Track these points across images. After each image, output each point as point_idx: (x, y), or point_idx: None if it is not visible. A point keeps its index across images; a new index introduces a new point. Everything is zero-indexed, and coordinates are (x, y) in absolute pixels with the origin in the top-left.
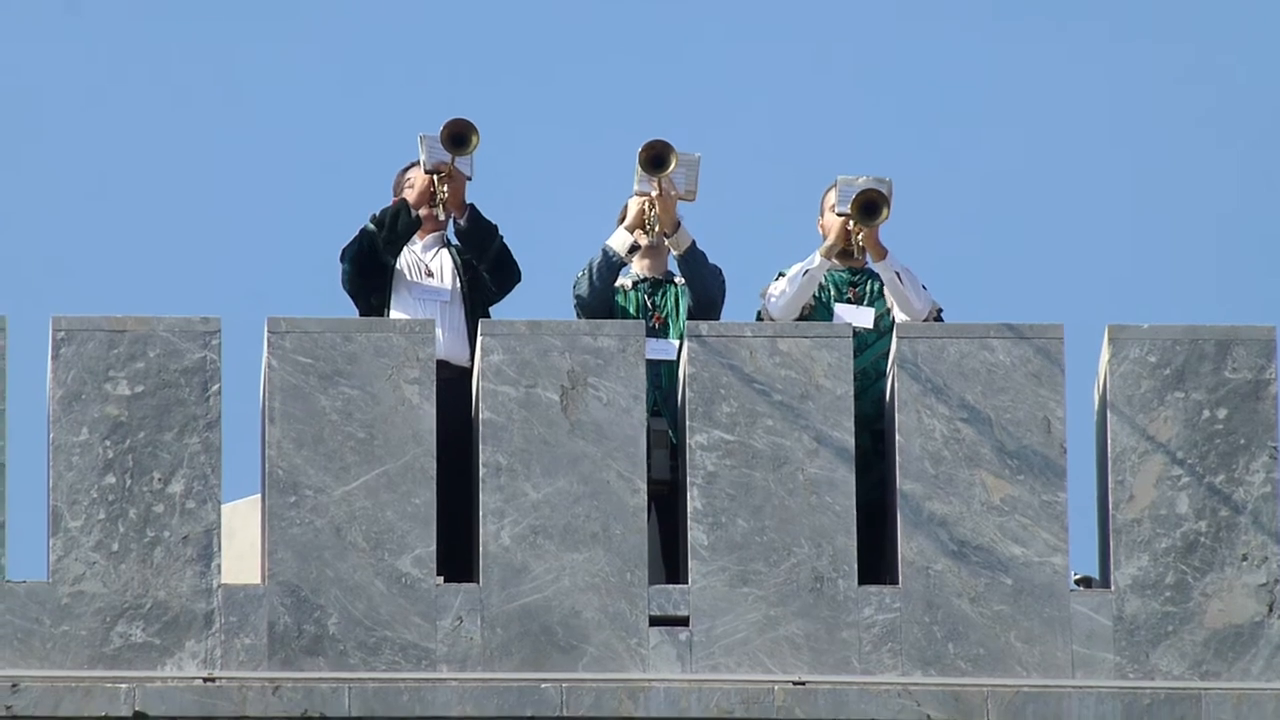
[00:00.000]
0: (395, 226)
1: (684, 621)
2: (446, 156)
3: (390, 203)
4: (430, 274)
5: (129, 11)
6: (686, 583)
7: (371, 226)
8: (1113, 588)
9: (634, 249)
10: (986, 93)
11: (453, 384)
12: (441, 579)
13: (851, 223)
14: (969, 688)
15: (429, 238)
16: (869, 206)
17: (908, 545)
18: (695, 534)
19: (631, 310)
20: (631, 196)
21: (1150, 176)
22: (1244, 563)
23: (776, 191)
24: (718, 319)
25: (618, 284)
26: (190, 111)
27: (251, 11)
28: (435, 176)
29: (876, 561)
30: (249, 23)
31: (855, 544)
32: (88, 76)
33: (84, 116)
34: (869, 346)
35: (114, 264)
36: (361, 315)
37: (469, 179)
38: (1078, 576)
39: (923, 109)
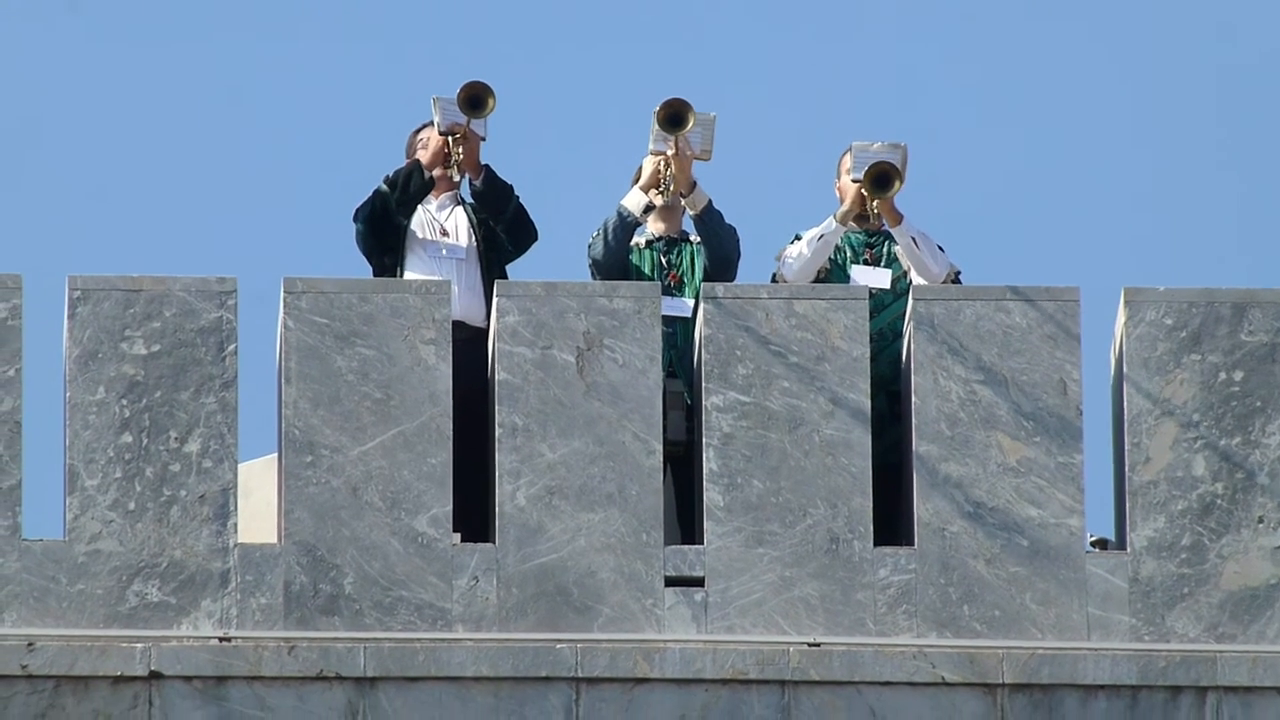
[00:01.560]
0: (408, 188)
1: (699, 582)
2: (461, 118)
3: (404, 163)
4: (445, 233)
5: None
6: (702, 544)
7: (384, 188)
8: (1128, 550)
9: (649, 209)
10: (1004, 57)
11: (469, 345)
12: (458, 538)
13: (865, 191)
14: (984, 650)
15: (443, 196)
16: (881, 179)
17: (923, 507)
18: (711, 495)
19: (646, 269)
20: (647, 156)
21: (1167, 139)
22: (1260, 525)
23: (793, 151)
24: (733, 279)
25: (632, 243)
26: (205, 73)
27: None
28: (450, 138)
29: (892, 523)
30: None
31: (871, 505)
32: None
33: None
34: (885, 308)
35: (130, 223)
36: (375, 275)
37: (484, 140)
38: (1093, 538)
39: (940, 73)
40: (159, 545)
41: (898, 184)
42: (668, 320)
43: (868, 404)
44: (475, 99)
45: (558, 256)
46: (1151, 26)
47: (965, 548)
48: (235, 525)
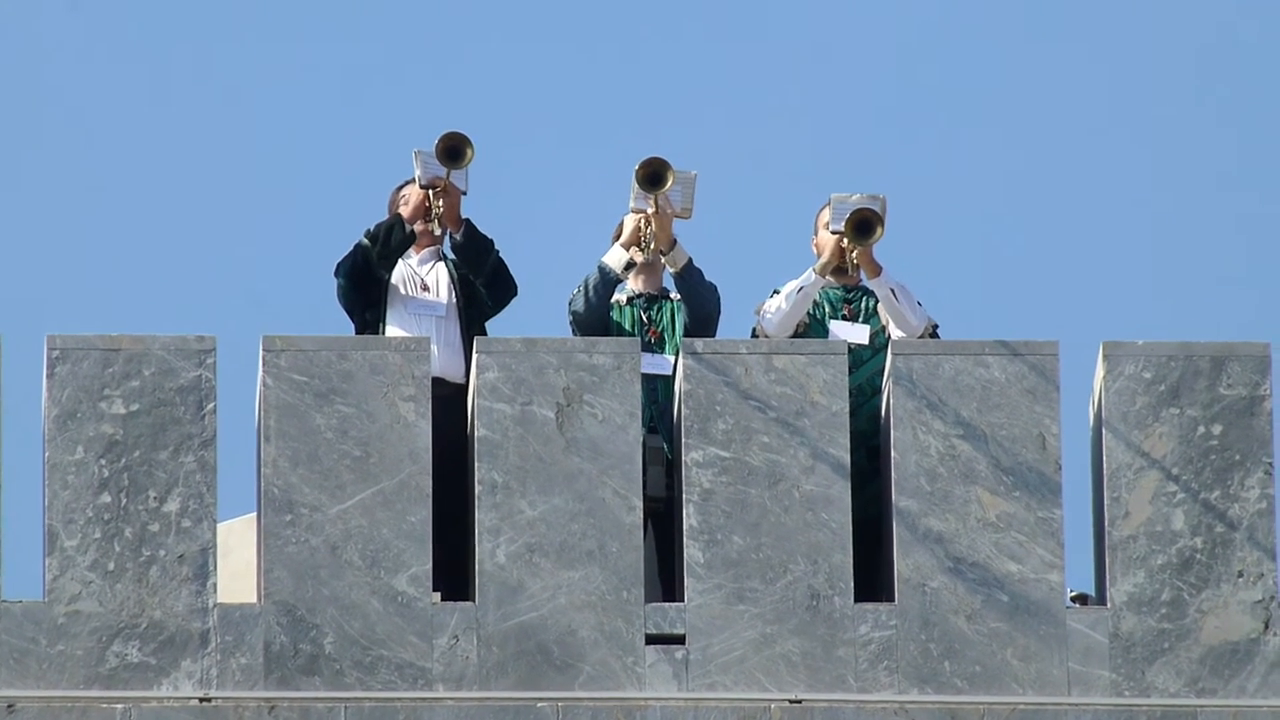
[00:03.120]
0: (389, 241)
1: (680, 640)
2: (441, 171)
3: (385, 217)
4: (426, 288)
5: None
6: (683, 601)
7: (365, 241)
8: (1108, 604)
9: (630, 266)
10: (982, 109)
11: (448, 401)
12: (438, 596)
13: (846, 240)
14: (965, 705)
15: (425, 252)
16: (863, 226)
17: (904, 562)
18: (691, 551)
19: (627, 325)
20: (627, 214)
21: (1145, 194)
22: (1240, 579)
23: (771, 208)
24: (713, 335)
25: (613, 299)
26: (187, 128)
27: (250, 22)
28: (430, 191)
29: (872, 579)
30: (248, 33)
31: (851, 561)
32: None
33: (83, 119)
34: (864, 363)
35: (109, 282)
36: (357, 330)
37: (464, 194)
38: (1074, 593)
39: (918, 125)
40: (138, 606)
41: (879, 231)
42: (649, 377)
43: (848, 459)
44: (453, 149)
45: (537, 313)
46: (1132, 77)
47: (946, 603)
48: (215, 585)
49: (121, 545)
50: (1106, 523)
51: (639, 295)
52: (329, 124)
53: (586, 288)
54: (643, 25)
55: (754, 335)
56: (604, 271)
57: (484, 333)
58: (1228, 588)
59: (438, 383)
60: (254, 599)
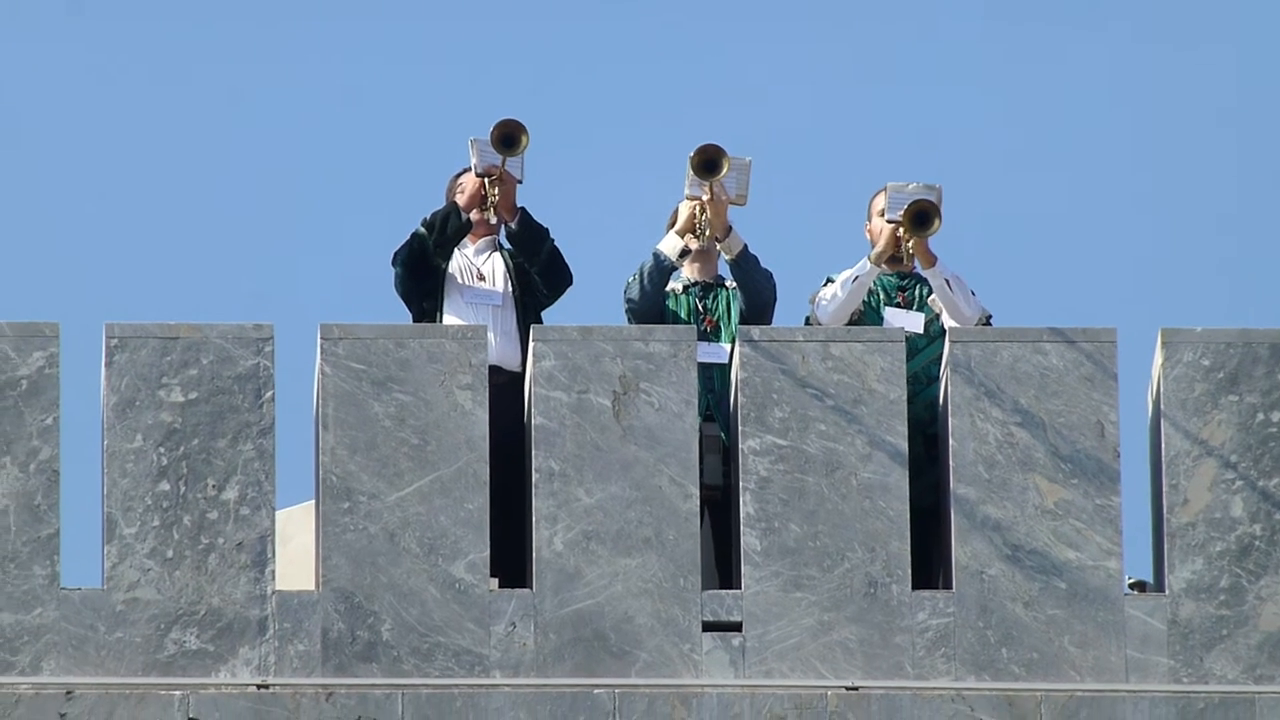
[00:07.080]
0: (445, 229)
1: (737, 627)
2: (497, 159)
3: (442, 206)
4: (482, 277)
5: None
6: (739, 588)
7: (422, 230)
8: (1167, 592)
9: (685, 253)
10: (1040, 95)
11: (505, 389)
12: (495, 583)
13: (902, 231)
14: (1022, 693)
15: (481, 241)
16: (921, 217)
17: (961, 550)
18: (748, 539)
19: (682, 314)
20: (682, 201)
21: (1203, 180)
22: None
23: (826, 194)
24: (769, 323)
25: (668, 288)
26: (240, 118)
27: (302, 5)
28: (486, 180)
29: (930, 566)
30: (283, 23)
31: (909, 548)
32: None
33: (119, 122)
34: (919, 352)
35: (167, 271)
36: (414, 319)
37: (520, 182)
38: (1131, 580)
39: (971, 111)
40: (197, 593)
41: (937, 222)
42: (705, 365)
43: (905, 446)
44: (508, 137)
45: (593, 302)
46: (1186, 59)
47: (1003, 590)
48: (273, 572)
49: (180, 533)
50: (1165, 510)
51: (694, 284)
52: (383, 113)
53: (642, 275)
54: (695, 10)
55: (807, 324)
56: (659, 259)
57: (540, 321)
58: None
59: (494, 371)
60: (312, 586)
